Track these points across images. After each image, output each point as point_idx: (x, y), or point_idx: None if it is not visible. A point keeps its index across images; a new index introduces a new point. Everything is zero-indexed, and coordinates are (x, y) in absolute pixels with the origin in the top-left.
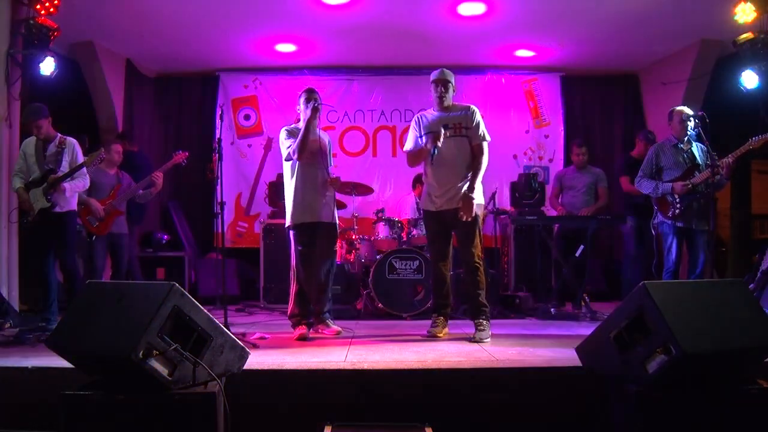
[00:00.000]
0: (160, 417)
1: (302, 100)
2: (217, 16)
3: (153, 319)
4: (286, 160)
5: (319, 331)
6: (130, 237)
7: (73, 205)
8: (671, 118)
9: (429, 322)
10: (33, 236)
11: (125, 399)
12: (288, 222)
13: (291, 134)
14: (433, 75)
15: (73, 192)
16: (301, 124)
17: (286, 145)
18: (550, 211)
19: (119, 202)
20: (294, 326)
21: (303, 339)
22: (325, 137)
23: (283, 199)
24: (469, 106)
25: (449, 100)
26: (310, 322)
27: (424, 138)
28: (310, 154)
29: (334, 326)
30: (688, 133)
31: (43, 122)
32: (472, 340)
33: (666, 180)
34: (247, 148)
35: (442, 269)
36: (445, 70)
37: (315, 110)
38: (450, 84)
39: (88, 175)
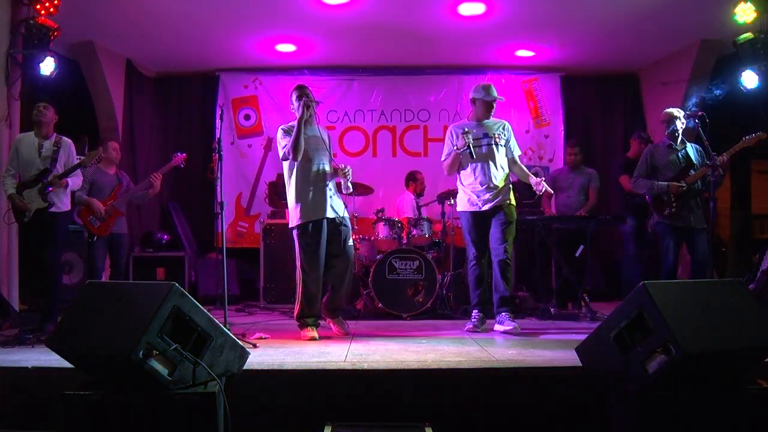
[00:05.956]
0: (160, 417)
1: (294, 98)
2: (217, 16)
3: (153, 319)
4: (282, 159)
5: (327, 322)
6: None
7: (68, 206)
8: (663, 120)
9: (429, 322)
10: (29, 237)
11: (125, 399)
12: (292, 222)
13: (287, 133)
14: (492, 96)
15: (72, 188)
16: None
17: (282, 144)
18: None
19: (120, 202)
20: (301, 328)
21: (313, 340)
22: (325, 133)
23: (285, 199)
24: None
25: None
26: (317, 323)
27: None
28: (309, 152)
29: (344, 327)
30: (678, 134)
31: (52, 116)
32: (512, 331)
33: (661, 180)
34: (247, 148)
35: (485, 265)
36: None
37: (306, 107)
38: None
39: (81, 175)
